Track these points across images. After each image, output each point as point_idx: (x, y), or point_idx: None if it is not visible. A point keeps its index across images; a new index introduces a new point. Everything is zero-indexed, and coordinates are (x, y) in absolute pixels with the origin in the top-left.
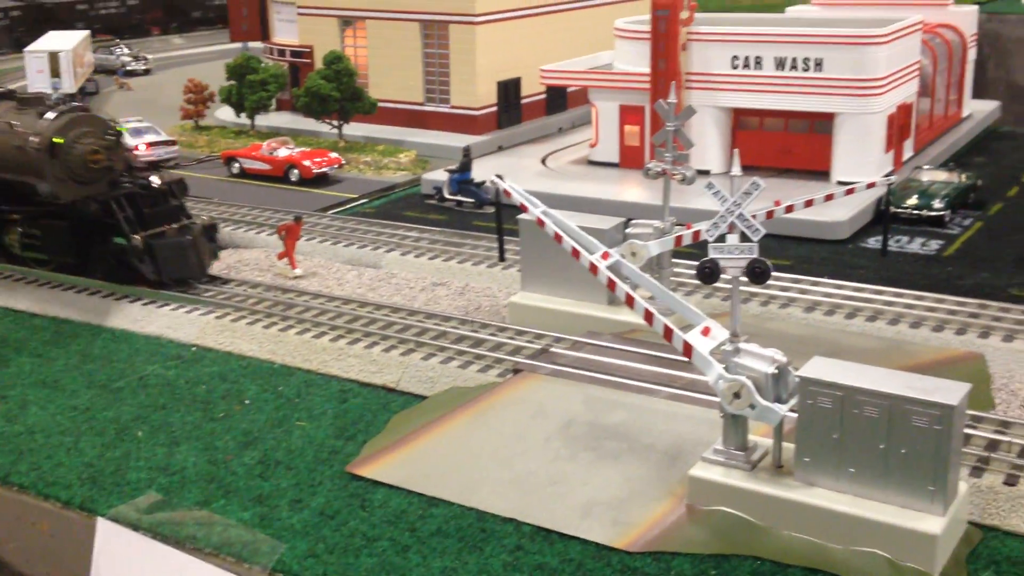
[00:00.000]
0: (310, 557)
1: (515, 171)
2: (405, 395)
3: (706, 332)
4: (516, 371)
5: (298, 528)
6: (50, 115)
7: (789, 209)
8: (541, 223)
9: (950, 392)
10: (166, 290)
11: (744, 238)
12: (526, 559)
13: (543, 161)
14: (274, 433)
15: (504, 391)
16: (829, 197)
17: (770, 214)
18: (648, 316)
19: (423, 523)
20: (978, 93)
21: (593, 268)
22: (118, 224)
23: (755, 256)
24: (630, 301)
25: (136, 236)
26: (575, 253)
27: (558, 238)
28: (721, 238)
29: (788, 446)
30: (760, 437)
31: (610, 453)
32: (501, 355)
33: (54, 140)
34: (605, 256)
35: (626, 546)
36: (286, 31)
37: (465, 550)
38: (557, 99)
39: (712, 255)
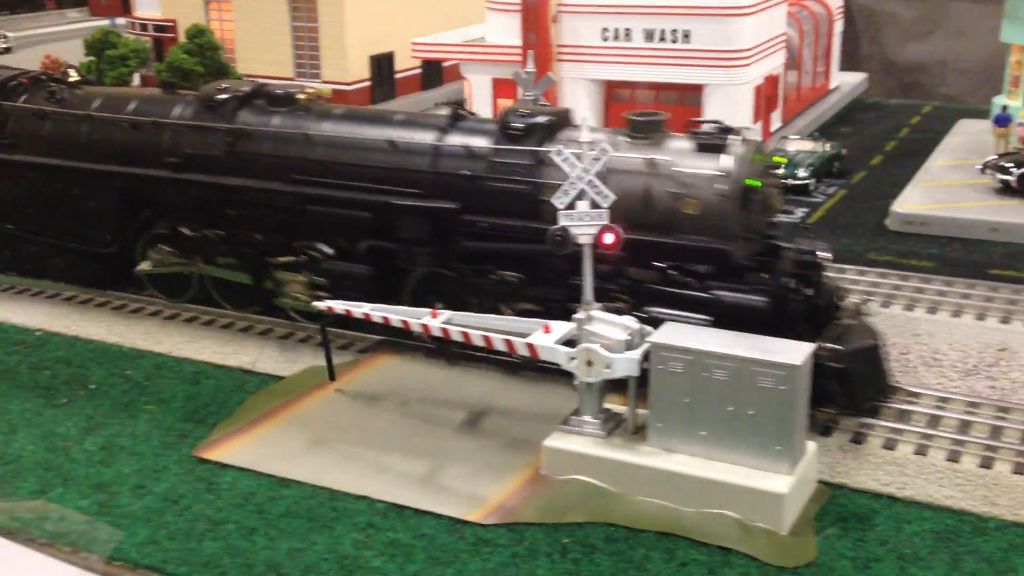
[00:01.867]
0: (151, 544)
1: None
2: (261, 376)
3: (547, 330)
4: (376, 348)
5: (139, 515)
6: (725, 150)
7: None
8: (368, 317)
9: (794, 352)
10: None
11: (594, 205)
12: (378, 536)
13: None
14: (119, 418)
15: (363, 368)
16: None
17: None
18: (487, 340)
19: (272, 504)
20: (854, 67)
21: (426, 329)
22: (790, 321)
23: (606, 223)
24: (467, 337)
25: (828, 344)
26: (405, 324)
27: (386, 320)
28: (571, 205)
29: (645, 413)
30: (616, 405)
31: (468, 427)
32: (361, 333)
33: (748, 184)
34: (435, 315)
35: (480, 519)
36: (148, 5)
37: (314, 530)
38: (433, 73)
39: (562, 223)
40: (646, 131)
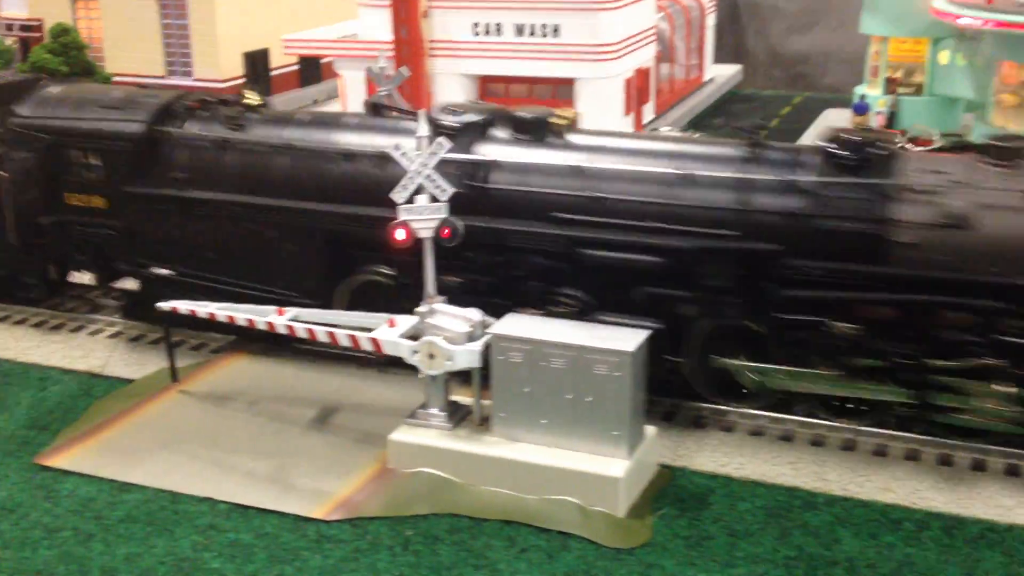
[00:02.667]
0: None
1: None
2: (111, 380)
3: (391, 324)
4: (228, 348)
5: None
6: None
7: None
8: (213, 317)
9: (628, 339)
10: None
11: (433, 199)
12: (218, 537)
13: None
14: None
15: (213, 368)
16: None
17: None
18: (332, 337)
19: (111, 510)
20: (740, 59)
21: (271, 326)
22: None
23: (445, 216)
24: (311, 334)
25: None
26: (251, 323)
27: (231, 319)
28: (411, 199)
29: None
30: (463, 397)
31: (317, 424)
32: (214, 333)
33: None
34: (281, 312)
35: (324, 515)
36: (14, 4)
37: (154, 534)
38: (311, 70)
39: (402, 217)
40: (1012, 157)
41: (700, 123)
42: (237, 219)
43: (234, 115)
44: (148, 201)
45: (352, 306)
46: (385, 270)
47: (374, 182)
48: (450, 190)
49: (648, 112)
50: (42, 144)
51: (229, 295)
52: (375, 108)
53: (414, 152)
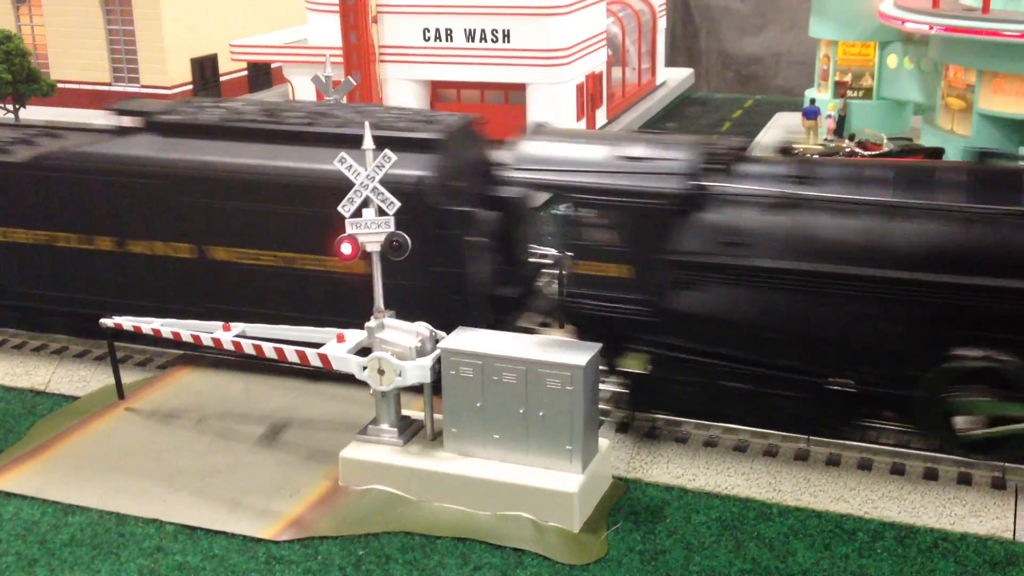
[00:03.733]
0: None
1: None
2: (55, 397)
3: (340, 339)
4: (175, 363)
5: None
6: None
7: None
8: (158, 333)
9: (579, 353)
10: None
11: (381, 212)
12: (165, 560)
13: None
14: None
15: (160, 385)
16: None
17: None
18: (280, 353)
19: (56, 533)
20: (692, 61)
21: (217, 342)
22: None
23: (392, 229)
24: (259, 350)
25: None
26: (196, 339)
27: (177, 336)
28: (357, 213)
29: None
30: (415, 412)
31: (267, 441)
32: (161, 348)
33: None
34: (227, 328)
35: (274, 536)
36: None
37: (99, 558)
38: (260, 75)
39: (350, 231)
40: None
41: (653, 127)
42: (814, 292)
43: (796, 169)
44: (686, 270)
45: (947, 398)
46: (1000, 354)
47: (999, 248)
48: (397, 203)
49: (601, 116)
50: (527, 203)
51: (782, 383)
52: (929, 154)
53: (359, 166)
